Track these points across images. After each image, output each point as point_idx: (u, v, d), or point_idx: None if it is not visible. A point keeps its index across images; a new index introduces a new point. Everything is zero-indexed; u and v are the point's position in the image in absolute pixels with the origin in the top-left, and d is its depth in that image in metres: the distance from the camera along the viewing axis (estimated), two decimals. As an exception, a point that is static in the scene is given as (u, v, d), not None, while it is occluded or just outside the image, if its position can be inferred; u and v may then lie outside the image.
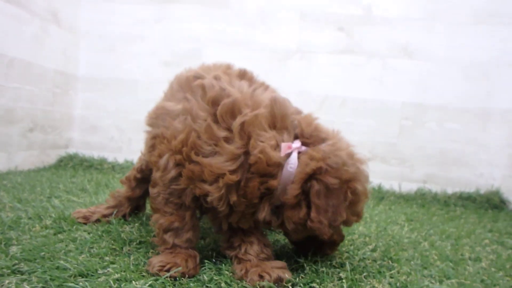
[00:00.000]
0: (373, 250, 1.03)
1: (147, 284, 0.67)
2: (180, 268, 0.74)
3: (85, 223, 1.07)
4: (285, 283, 0.73)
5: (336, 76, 2.35)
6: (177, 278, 0.73)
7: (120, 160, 2.51)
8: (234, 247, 0.83)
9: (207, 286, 0.71)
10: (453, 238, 1.30)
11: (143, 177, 1.10)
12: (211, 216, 0.86)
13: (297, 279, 0.77)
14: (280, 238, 1.09)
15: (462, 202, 2.15)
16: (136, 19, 2.50)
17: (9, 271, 0.70)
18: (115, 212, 1.15)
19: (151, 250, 0.87)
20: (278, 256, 0.92)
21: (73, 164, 2.38)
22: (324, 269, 0.83)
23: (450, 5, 2.23)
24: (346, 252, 1.00)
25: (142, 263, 0.79)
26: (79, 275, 0.70)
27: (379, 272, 0.86)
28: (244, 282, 0.74)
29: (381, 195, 2.16)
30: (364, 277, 0.82)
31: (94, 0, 2.50)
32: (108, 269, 0.73)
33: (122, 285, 0.66)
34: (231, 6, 2.42)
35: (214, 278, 0.74)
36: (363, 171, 0.80)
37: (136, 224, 1.09)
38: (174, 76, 0.93)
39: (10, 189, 1.48)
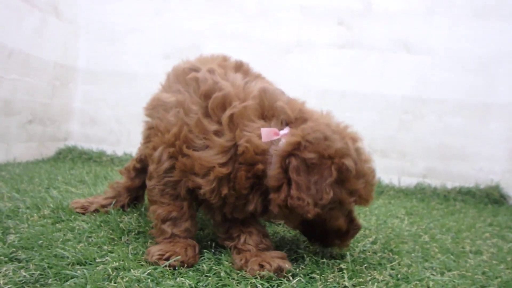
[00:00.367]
0: (374, 243, 1.03)
1: (146, 273, 0.66)
2: (179, 257, 0.73)
3: (83, 213, 1.07)
4: (285, 273, 0.73)
5: (336, 70, 2.33)
6: (176, 268, 0.72)
7: (119, 152, 2.50)
8: (233, 237, 0.82)
9: (206, 276, 0.70)
10: (454, 232, 1.29)
11: (142, 167, 1.09)
12: (205, 208, 0.85)
13: (297, 269, 0.77)
14: (280, 230, 1.09)
15: (462, 196, 2.14)
16: (137, 12, 2.47)
17: (6, 258, 0.69)
18: (113, 202, 1.14)
19: (150, 240, 0.86)
20: (277, 247, 0.91)
21: (72, 157, 2.37)
22: (324, 260, 0.83)
23: (450, -2, 2.22)
24: (347, 244, 0.99)
25: (141, 252, 0.79)
26: (77, 263, 0.69)
27: (380, 264, 0.86)
28: (244, 271, 0.73)
29: (381, 189, 2.16)
30: (365, 268, 0.81)
31: (94, -8, 2.48)
32: (107, 257, 0.73)
33: (120, 274, 0.65)
34: (231, 0, 2.39)
35: (214, 268, 0.73)
36: (357, 148, 0.77)
37: (135, 215, 1.08)
38: (172, 67, 0.93)
39: (8, 180, 1.47)
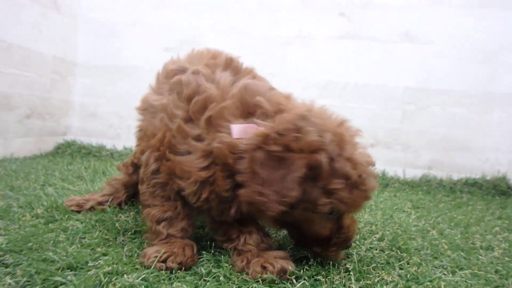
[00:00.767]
0: (380, 239, 0.98)
1: (140, 278, 0.62)
2: (178, 259, 0.70)
3: (78, 211, 1.03)
4: (289, 275, 0.69)
5: (338, 61, 2.30)
6: (173, 271, 0.68)
7: (119, 147, 2.46)
8: (232, 239, 0.78)
9: (204, 280, 0.66)
10: (462, 226, 1.25)
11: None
12: (196, 210, 0.81)
13: (302, 271, 0.72)
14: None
15: (468, 188, 2.10)
16: (136, 6, 2.43)
17: (-7, 263, 0.65)
18: (110, 199, 1.10)
19: (146, 241, 0.82)
20: (280, 246, 0.87)
21: (71, 151, 2.33)
22: (329, 260, 0.79)
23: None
24: (353, 242, 0.95)
25: (136, 254, 0.75)
26: (68, 268, 0.65)
27: (388, 263, 0.82)
28: (244, 275, 0.69)
29: (386, 181, 2.11)
30: (373, 268, 0.77)
31: (93, -15, 2.42)
32: (99, 261, 0.69)
33: (113, 279, 0.61)
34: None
35: (213, 270, 0.69)
36: (342, 143, 0.67)
37: (132, 213, 1.05)
38: (162, 65, 0.90)
39: (3, 176, 1.44)
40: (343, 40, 2.27)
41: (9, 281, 0.58)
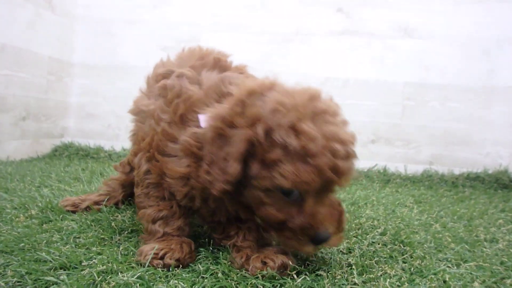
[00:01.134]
0: (383, 234, 0.96)
1: (135, 276, 0.60)
2: (175, 255, 0.68)
3: (74, 212, 1.01)
4: (290, 270, 0.67)
5: (337, 57, 2.29)
6: (170, 268, 0.66)
7: (118, 148, 2.44)
8: (231, 236, 0.76)
9: (202, 277, 0.64)
10: (465, 219, 1.23)
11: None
12: (190, 210, 0.80)
13: (303, 266, 0.70)
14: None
15: (470, 182, 2.08)
16: (134, 4, 2.41)
17: (-17, 265, 0.63)
18: (107, 198, 1.08)
19: (142, 241, 0.80)
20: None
21: (68, 154, 2.31)
22: (330, 255, 0.77)
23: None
24: (354, 236, 0.93)
25: (132, 253, 0.73)
26: (60, 268, 0.63)
27: (391, 257, 0.80)
28: (243, 271, 0.67)
29: (387, 177, 2.09)
30: (375, 262, 0.75)
31: (88, -16, 2.40)
32: (94, 260, 0.67)
33: (107, 278, 0.59)
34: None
35: (211, 267, 0.67)
36: (288, 114, 0.60)
37: (129, 212, 1.03)
38: (153, 68, 0.90)
39: (-2, 179, 1.42)
40: (342, 36, 2.26)
41: (-2, 282, 0.56)
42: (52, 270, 0.62)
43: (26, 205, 1.02)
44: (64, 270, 0.63)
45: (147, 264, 0.66)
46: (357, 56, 2.26)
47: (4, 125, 1.96)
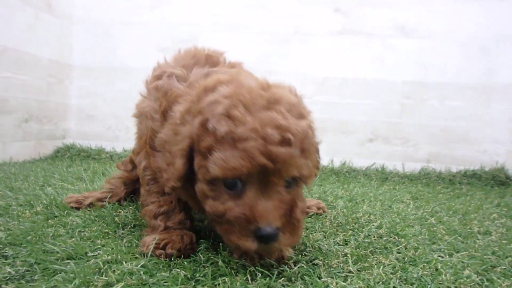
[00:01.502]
0: (379, 227, 0.99)
1: (139, 265, 0.63)
2: (176, 245, 0.71)
3: (77, 208, 1.03)
4: (287, 260, 0.69)
5: (336, 57, 2.31)
6: (172, 258, 0.69)
7: (118, 149, 2.47)
8: None
9: (203, 266, 0.67)
10: (461, 214, 1.26)
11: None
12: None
13: (300, 256, 0.73)
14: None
15: (468, 180, 2.10)
16: (132, 5, 2.44)
17: (-7, 256, 0.66)
18: (109, 196, 1.11)
19: (144, 233, 0.82)
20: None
21: (70, 155, 2.34)
22: (327, 246, 0.79)
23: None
24: (351, 229, 0.96)
25: (135, 245, 0.76)
26: (67, 258, 0.66)
27: (386, 248, 0.82)
28: (242, 260, 0.69)
29: (385, 175, 2.12)
30: (370, 252, 0.78)
31: (87, -14, 2.44)
32: (99, 251, 0.69)
33: (112, 267, 0.62)
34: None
35: (211, 257, 0.70)
36: (228, 105, 0.59)
37: (131, 208, 1.05)
38: (152, 69, 0.93)
39: (2, 178, 1.44)
40: (341, 36, 2.29)
41: (9, 270, 0.59)
42: (59, 260, 0.64)
43: (31, 202, 1.05)
44: (70, 260, 0.65)
45: (149, 253, 0.68)
46: (356, 55, 2.29)
47: (7, 127, 1.99)
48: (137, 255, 0.70)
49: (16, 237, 0.74)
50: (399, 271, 0.69)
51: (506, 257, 0.80)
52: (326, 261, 0.71)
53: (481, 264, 0.75)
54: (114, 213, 0.99)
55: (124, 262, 0.64)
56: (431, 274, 0.69)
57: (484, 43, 2.16)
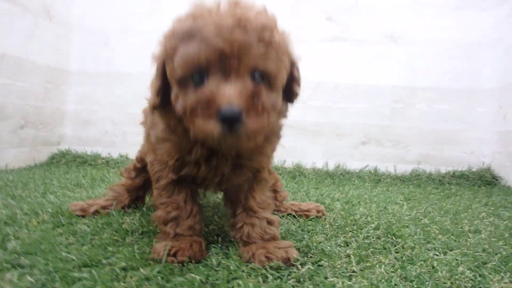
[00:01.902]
0: (376, 228, 1.04)
1: (155, 270, 0.66)
2: (186, 253, 0.73)
3: (83, 216, 1.05)
4: (294, 262, 0.73)
5: (328, 63, 2.38)
6: (185, 264, 0.72)
7: (114, 155, 2.47)
8: (237, 228, 0.83)
9: (215, 270, 0.70)
10: (452, 214, 1.32)
11: (143, 166, 1.08)
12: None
13: (305, 258, 0.77)
14: (283, 222, 1.09)
15: (456, 180, 2.19)
16: (129, 12, 2.46)
17: (9, 265, 0.67)
18: (114, 203, 1.12)
19: (155, 240, 0.85)
20: (283, 238, 0.91)
21: (65, 161, 2.33)
22: (329, 248, 0.83)
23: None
24: (350, 231, 1.00)
25: (147, 251, 0.78)
26: (83, 266, 0.68)
27: (385, 248, 0.87)
28: (252, 263, 0.73)
29: (378, 177, 2.19)
30: (371, 253, 0.82)
31: (85, -6, 2.44)
32: (113, 258, 0.72)
33: (129, 273, 0.65)
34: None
35: (222, 262, 0.73)
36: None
37: (137, 215, 1.07)
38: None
39: (1, 186, 1.44)
40: (333, 43, 2.37)
41: (29, 279, 0.61)
42: (76, 268, 0.67)
43: (36, 211, 1.05)
44: (87, 267, 0.67)
45: (163, 260, 0.71)
46: (348, 61, 2.36)
47: (3, 134, 1.97)
48: (150, 262, 0.73)
49: (29, 246, 0.76)
50: (399, 270, 0.74)
51: (496, 254, 0.86)
52: (331, 262, 0.76)
53: (473, 261, 0.80)
54: (121, 220, 1.01)
55: (139, 268, 0.67)
56: (428, 271, 0.73)
57: (467, 49, 2.26)
